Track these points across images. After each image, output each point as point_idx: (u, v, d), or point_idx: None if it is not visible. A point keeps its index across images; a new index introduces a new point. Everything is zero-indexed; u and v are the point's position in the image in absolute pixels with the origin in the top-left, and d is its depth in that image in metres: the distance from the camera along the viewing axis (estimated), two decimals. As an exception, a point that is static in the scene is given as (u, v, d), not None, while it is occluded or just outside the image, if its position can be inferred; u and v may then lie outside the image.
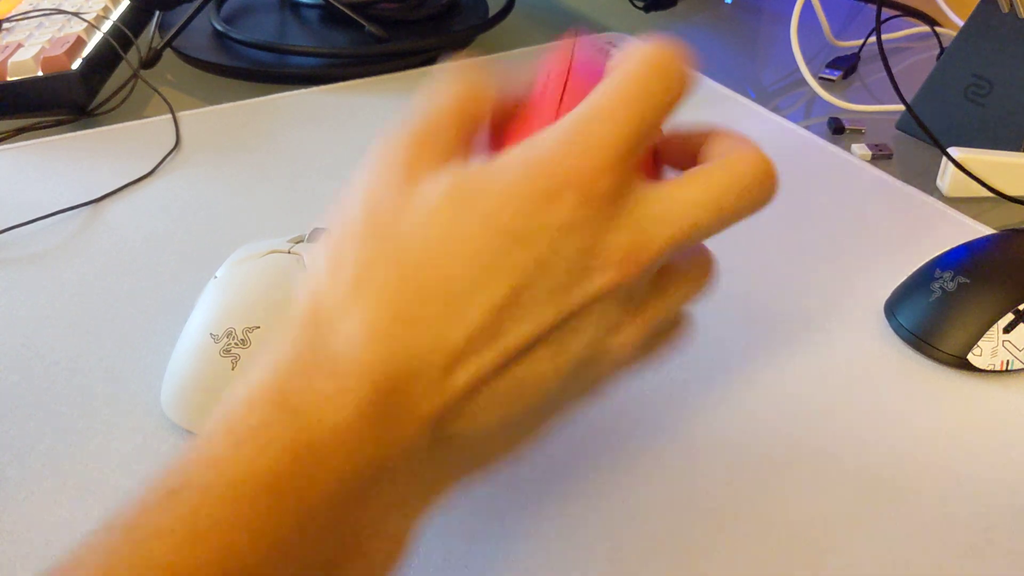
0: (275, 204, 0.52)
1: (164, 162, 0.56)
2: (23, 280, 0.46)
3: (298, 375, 0.23)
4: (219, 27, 0.70)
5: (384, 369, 0.23)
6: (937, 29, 0.75)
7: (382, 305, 0.24)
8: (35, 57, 0.60)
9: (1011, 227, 0.49)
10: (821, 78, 0.68)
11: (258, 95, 0.64)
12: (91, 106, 0.62)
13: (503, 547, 0.32)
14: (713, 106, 0.63)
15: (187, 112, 0.62)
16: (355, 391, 0.23)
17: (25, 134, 0.60)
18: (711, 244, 0.30)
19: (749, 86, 0.68)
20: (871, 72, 0.70)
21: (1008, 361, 0.40)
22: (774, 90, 0.68)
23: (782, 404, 0.39)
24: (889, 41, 0.74)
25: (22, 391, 0.39)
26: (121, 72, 0.66)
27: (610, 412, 0.38)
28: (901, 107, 0.60)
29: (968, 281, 0.41)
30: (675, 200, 0.26)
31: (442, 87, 0.28)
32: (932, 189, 0.55)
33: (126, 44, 0.66)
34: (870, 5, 0.82)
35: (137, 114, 0.62)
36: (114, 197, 0.53)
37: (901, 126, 0.62)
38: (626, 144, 0.25)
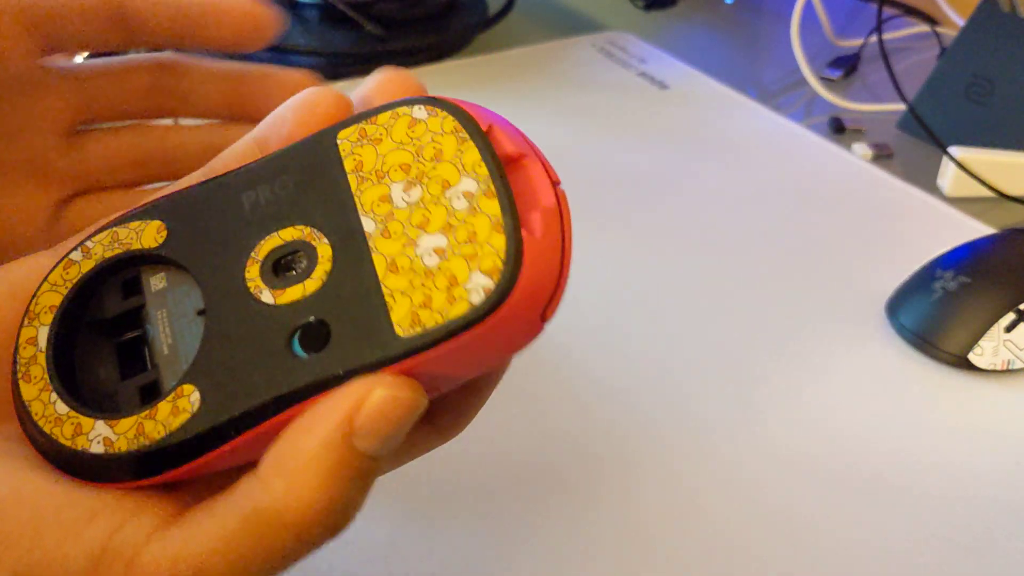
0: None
1: (164, 161, 0.56)
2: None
3: None
4: (219, 26, 0.69)
5: None
6: (938, 29, 0.75)
7: None
8: (34, 56, 0.60)
9: (1012, 227, 0.49)
10: (822, 77, 0.68)
11: (258, 94, 0.64)
12: (91, 105, 0.62)
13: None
14: (713, 106, 0.62)
15: (187, 111, 0.62)
16: None
17: (24, 133, 0.60)
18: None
19: (750, 85, 0.68)
20: (872, 71, 0.70)
21: (1009, 360, 0.40)
22: (775, 89, 0.68)
23: (783, 404, 0.39)
24: (890, 40, 0.74)
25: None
26: (121, 71, 0.65)
27: (608, 412, 0.38)
28: (902, 106, 0.60)
29: (969, 280, 0.41)
30: None
31: None
32: (933, 188, 0.55)
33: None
34: (871, 4, 0.82)
35: (137, 113, 0.62)
36: (113, 196, 0.52)
37: (902, 125, 0.62)
38: None
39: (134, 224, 0.22)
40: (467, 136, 0.21)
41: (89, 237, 0.22)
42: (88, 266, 0.22)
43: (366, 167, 0.21)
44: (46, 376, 0.21)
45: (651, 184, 0.54)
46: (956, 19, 0.74)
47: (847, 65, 0.70)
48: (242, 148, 0.24)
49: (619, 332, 0.42)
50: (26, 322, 0.21)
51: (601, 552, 0.32)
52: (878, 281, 0.45)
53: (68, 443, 0.20)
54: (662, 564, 0.32)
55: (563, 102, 0.63)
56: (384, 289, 0.20)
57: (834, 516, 0.34)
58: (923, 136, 0.59)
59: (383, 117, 0.22)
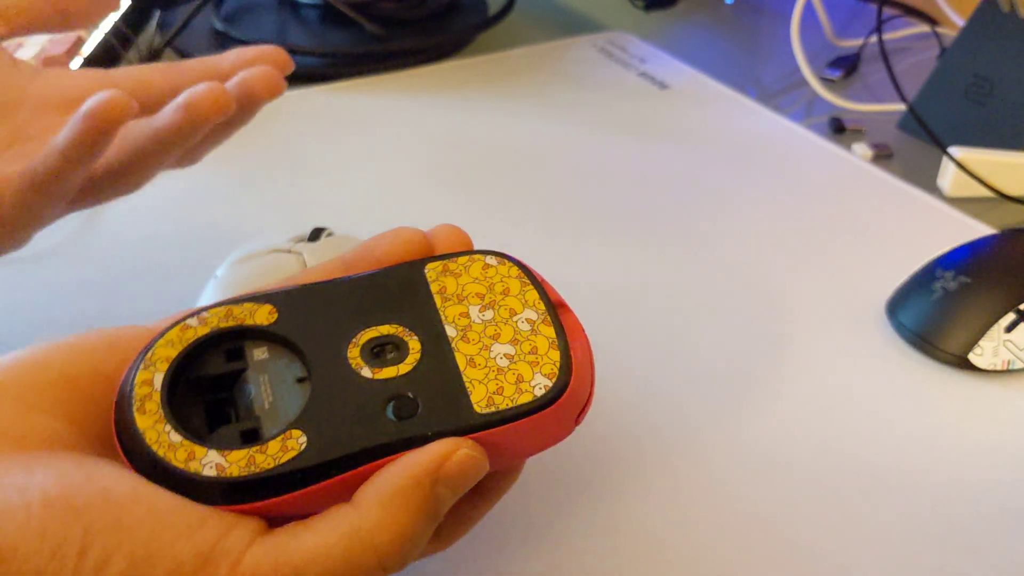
0: (275, 203, 0.52)
1: (164, 161, 0.56)
2: (23, 280, 0.46)
3: None
4: (219, 26, 0.70)
5: None
6: (938, 29, 0.75)
7: None
8: (35, 56, 0.60)
9: (1012, 227, 0.49)
10: (822, 78, 0.68)
11: (258, 94, 0.64)
12: (91, 105, 0.62)
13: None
14: (713, 106, 0.62)
15: (187, 111, 0.62)
16: None
17: (25, 133, 0.60)
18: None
19: (750, 86, 0.68)
20: (872, 72, 0.70)
21: (1009, 361, 0.40)
22: (775, 90, 0.68)
23: (783, 404, 0.39)
24: (890, 41, 0.74)
25: (22, 391, 0.39)
26: (121, 71, 0.65)
27: (606, 411, 0.38)
28: (902, 106, 0.60)
29: (969, 281, 0.41)
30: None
31: None
32: (933, 189, 0.55)
33: (126, 43, 0.66)
34: (871, 4, 0.82)
35: (137, 113, 0.62)
36: (114, 196, 0.53)
37: (902, 126, 0.62)
38: None
39: (248, 305, 0.27)
40: (528, 282, 0.28)
41: (205, 309, 0.27)
42: (203, 331, 0.26)
43: (448, 291, 0.28)
44: (160, 412, 0.24)
45: (651, 184, 0.54)
46: (956, 19, 0.74)
47: (847, 65, 0.70)
48: (330, 266, 0.29)
49: (617, 331, 0.42)
50: (142, 367, 0.25)
51: (601, 549, 0.32)
52: (878, 281, 0.46)
53: (181, 465, 0.24)
54: (664, 560, 0.32)
55: (563, 102, 0.63)
56: (465, 377, 0.26)
57: (834, 515, 0.34)
58: (923, 136, 0.59)
59: (462, 259, 0.28)
